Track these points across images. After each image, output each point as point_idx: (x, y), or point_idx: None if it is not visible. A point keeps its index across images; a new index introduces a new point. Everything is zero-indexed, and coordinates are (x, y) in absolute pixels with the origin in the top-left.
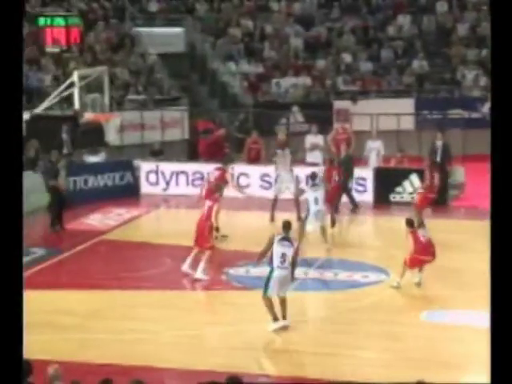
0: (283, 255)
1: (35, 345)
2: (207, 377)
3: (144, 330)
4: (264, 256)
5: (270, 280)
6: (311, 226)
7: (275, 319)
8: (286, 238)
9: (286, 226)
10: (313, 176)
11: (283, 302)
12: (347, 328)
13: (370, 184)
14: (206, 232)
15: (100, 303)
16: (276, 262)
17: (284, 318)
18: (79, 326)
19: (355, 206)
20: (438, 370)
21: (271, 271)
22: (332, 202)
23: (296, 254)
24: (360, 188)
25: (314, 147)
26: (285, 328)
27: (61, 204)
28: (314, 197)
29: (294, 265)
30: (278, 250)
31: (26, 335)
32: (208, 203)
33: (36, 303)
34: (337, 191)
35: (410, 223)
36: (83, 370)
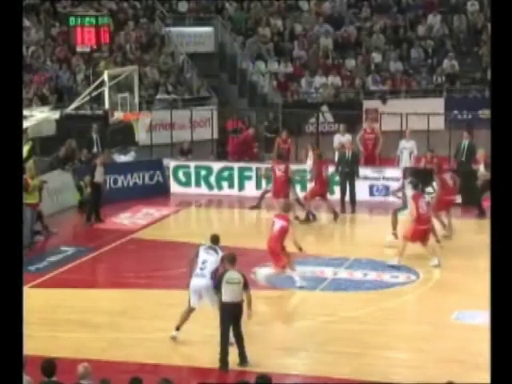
0: (204, 262)
1: (65, 342)
2: (237, 376)
3: (173, 329)
4: (192, 267)
5: (190, 290)
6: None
7: (177, 328)
8: (211, 247)
9: (214, 240)
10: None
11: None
12: (377, 328)
13: (400, 184)
14: (278, 252)
15: (129, 302)
16: (197, 268)
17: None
18: (109, 324)
19: (353, 206)
20: (469, 371)
21: (190, 275)
22: (324, 195)
23: (223, 264)
24: (390, 188)
25: (343, 147)
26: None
27: (97, 200)
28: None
29: (213, 276)
30: (201, 256)
31: (56, 333)
32: (281, 222)
33: (66, 302)
34: (327, 185)
35: (414, 185)
36: (113, 369)
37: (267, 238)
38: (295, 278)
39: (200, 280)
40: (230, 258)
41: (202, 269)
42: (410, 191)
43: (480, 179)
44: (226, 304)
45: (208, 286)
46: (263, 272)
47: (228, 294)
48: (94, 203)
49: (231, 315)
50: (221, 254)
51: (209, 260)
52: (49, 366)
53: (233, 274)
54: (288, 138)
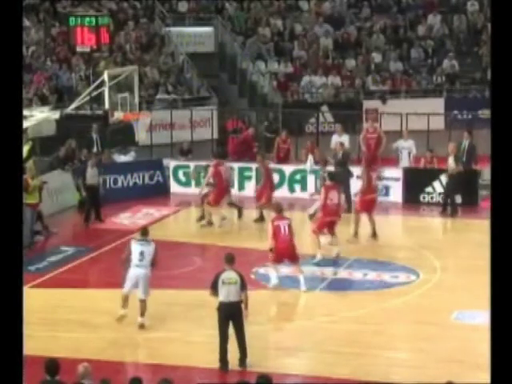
0: (141, 253)
1: (65, 342)
2: (238, 376)
3: (173, 329)
4: (126, 260)
5: (128, 277)
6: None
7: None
8: (144, 240)
9: (144, 233)
10: None
11: (143, 303)
12: (377, 328)
13: (399, 184)
14: (294, 247)
15: (130, 302)
16: (134, 260)
17: (142, 315)
18: (109, 324)
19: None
20: (469, 371)
21: (127, 269)
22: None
23: (156, 253)
24: (390, 188)
25: (341, 147)
26: (142, 326)
27: (93, 201)
28: None
29: (153, 264)
30: (136, 248)
31: (56, 333)
32: (286, 222)
33: (66, 302)
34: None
35: (330, 176)
36: (113, 369)
37: (283, 243)
38: (272, 275)
39: (140, 270)
40: (228, 258)
41: (140, 260)
42: (325, 181)
43: (449, 172)
44: (222, 304)
45: (147, 275)
46: (275, 275)
47: (224, 294)
48: (90, 205)
49: (228, 314)
50: (153, 244)
51: (146, 251)
52: (52, 365)
53: (230, 274)
54: (288, 138)
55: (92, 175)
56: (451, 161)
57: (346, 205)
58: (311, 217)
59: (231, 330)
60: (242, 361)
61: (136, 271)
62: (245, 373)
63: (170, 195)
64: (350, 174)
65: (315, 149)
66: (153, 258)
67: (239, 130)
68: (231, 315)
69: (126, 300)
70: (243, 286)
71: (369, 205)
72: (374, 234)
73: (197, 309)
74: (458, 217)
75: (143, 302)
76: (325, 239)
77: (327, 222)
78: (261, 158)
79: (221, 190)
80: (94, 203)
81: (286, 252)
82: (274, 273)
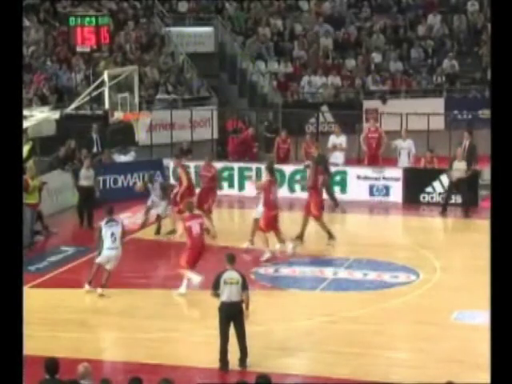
0: (112, 234)
1: (65, 342)
2: (237, 376)
3: (173, 329)
4: (99, 243)
5: (102, 255)
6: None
7: (89, 283)
8: (111, 220)
9: (110, 212)
10: None
11: (109, 274)
12: (377, 328)
13: (399, 184)
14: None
15: (129, 302)
16: (107, 243)
17: (104, 286)
18: (109, 324)
19: (336, 205)
20: (469, 371)
21: (100, 252)
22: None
23: (123, 231)
24: (390, 188)
25: (335, 148)
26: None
27: (85, 204)
28: None
29: (122, 241)
30: (106, 231)
31: (56, 333)
32: (197, 221)
33: (66, 302)
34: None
35: (270, 170)
36: (113, 369)
37: (195, 244)
38: (192, 276)
39: (114, 251)
40: (230, 258)
41: (113, 241)
42: (265, 176)
43: (455, 176)
44: (223, 303)
45: (119, 255)
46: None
47: (226, 294)
48: (83, 208)
49: (229, 314)
50: (121, 223)
51: (115, 232)
52: (52, 365)
53: (231, 274)
54: (288, 137)
55: (86, 176)
56: (459, 165)
57: (333, 204)
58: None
59: (232, 331)
60: (243, 361)
61: (111, 253)
62: (245, 373)
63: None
64: (329, 175)
65: (314, 144)
66: (121, 238)
67: (239, 130)
68: (232, 315)
69: (96, 271)
70: (244, 286)
71: (272, 221)
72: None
73: (197, 309)
74: (468, 216)
75: (109, 273)
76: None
77: (272, 217)
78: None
79: (185, 193)
80: (87, 206)
81: (199, 252)
82: (191, 274)
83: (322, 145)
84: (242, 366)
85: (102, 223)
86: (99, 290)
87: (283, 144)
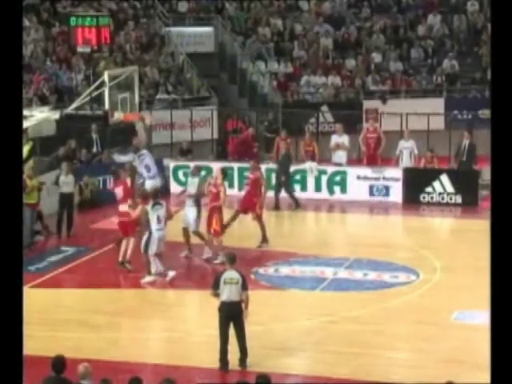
0: (158, 217)
1: (65, 342)
2: (237, 376)
3: (174, 329)
4: (145, 225)
5: (150, 241)
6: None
7: (150, 273)
8: (156, 203)
9: (155, 195)
10: None
11: (161, 256)
12: (377, 328)
13: (399, 184)
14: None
15: (129, 302)
16: (154, 225)
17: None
18: (109, 324)
19: (297, 205)
20: (469, 371)
21: (150, 234)
22: None
23: (168, 212)
24: (390, 188)
25: (338, 147)
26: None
27: (67, 210)
28: None
29: (166, 222)
30: (152, 214)
31: (56, 333)
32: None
33: (66, 302)
34: None
35: (223, 172)
36: (113, 369)
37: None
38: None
39: (161, 232)
40: (230, 258)
41: (159, 223)
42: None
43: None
44: (223, 303)
45: (165, 236)
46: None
47: (226, 294)
48: (62, 215)
49: (229, 314)
50: (165, 204)
51: (161, 214)
52: (59, 363)
53: (231, 274)
54: (287, 137)
55: (65, 182)
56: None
57: (294, 203)
58: (197, 233)
59: (232, 331)
60: (243, 361)
61: (161, 234)
62: (245, 373)
63: (170, 195)
64: (287, 174)
65: (313, 142)
66: (166, 218)
67: (239, 129)
68: (232, 315)
69: (150, 262)
70: (244, 286)
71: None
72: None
73: (197, 309)
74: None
75: (161, 255)
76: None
77: (221, 220)
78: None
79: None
80: (66, 213)
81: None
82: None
83: (324, 144)
84: (242, 366)
85: (149, 207)
86: (171, 274)
87: (283, 143)
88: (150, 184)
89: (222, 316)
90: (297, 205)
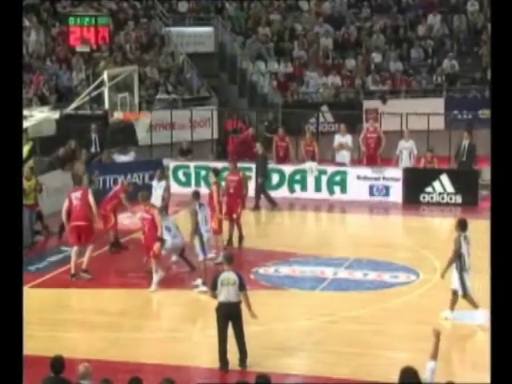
0: (205, 218)
1: (65, 342)
2: (237, 376)
3: (175, 329)
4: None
5: (204, 245)
6: None
7: (204, 283)
8: (201, 204)
9: (197, 196)
10: None
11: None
12: (377, 328)
13: (399, 184)
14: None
15: (130, 302)
16: (203, 227)
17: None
18: (109, 324)
19: (273, 205)
20: (469, 371)
21: (201, 237)
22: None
23: (208, 213)
24: (390, 188)
25: (341, 147)
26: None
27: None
28: None
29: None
30: (201, 216)
31: (56, 333)
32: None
33: (66, 301)
34: None
35: (216, 172)
36: (113, 369)
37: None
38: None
39: (209, 233)
40: (227, 258)
41: (206, 224)
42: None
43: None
44: (221, 304)
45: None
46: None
47: (223, 295)
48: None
49: (226, 315)
50: (205, 206)
51: (206, 215)
52: (57, 363)
53: (228, 275)
54: (285, 135)
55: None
56: None
57: (270, 204)
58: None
59: (230, 331)
60: (243, 361)
61: (207, 236)
62: (245, 373)
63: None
64: (264, 175)
65: (313, 142)
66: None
67: (239, 130)
68: (230, 316)
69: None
70: (242, 287)
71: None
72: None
73: (197, 309)
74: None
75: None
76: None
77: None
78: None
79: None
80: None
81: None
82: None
83: (323, 144)
84: (242, 366)
85: (196, 207)
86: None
87: (281, 142)
88: (172, 243)
89: (220, 316)
90: (273, 205)
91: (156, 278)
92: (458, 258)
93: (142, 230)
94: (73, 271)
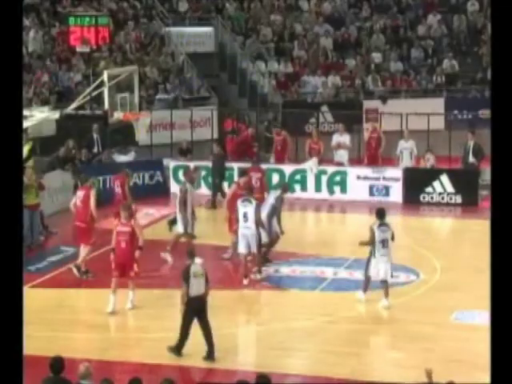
0: (245, 214)
1: (65, 342)
2: (238, 376)
3: (173, 329)
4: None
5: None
6: None
7: (246, 276)
8: (246, 199)
9: (249, 190)
10: None
11: (258, 258)
12: (376, 328)
13: (399, 184)
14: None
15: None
16: (240, 222)
17: (259, 272)
18: (109, 324)
19: (213, 206)
20: (469, 371)
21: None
22: None
23: (258, 212)
24: (390, 188)
25: (339, 146)
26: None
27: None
28: None
29: (257, 223)
30: (240, 210)
31: (56, 333)
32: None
33: (66, 302)
34: None
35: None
36: (113, 369)
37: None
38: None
39: (247, 230)
40: (190, 252)
41: (245, 221)
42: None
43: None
44: (193, 298)
45: (253, 234)
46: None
47: (195, 287)
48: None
49: (197, 309)
50: (255, 202)
51: (248, 211)
52: (57, 363)
53: (197, 267)
54: (282, 130)
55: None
56: None
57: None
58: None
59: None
60: (211, 354)
61: (245, 232)
62: (244, 372)
63: (170, 195)
64: (223, 176)
65: (320, 141)
66: (256, 218)
67: (237, 129)
68: (200, 309)
69: (245, 262)
70: (207, 279)
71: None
72: None
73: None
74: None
75: (258, 257)
76: None
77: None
78: None
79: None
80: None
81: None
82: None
83: (323, 144)
84: (210, 360)
85: (239, 201)
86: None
87: (278, 136)
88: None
89: (190, 310)
90: (213, 205)
91: (132, 295)
92: (371, 245)
93: (115, 246)
94: (83, 268)
